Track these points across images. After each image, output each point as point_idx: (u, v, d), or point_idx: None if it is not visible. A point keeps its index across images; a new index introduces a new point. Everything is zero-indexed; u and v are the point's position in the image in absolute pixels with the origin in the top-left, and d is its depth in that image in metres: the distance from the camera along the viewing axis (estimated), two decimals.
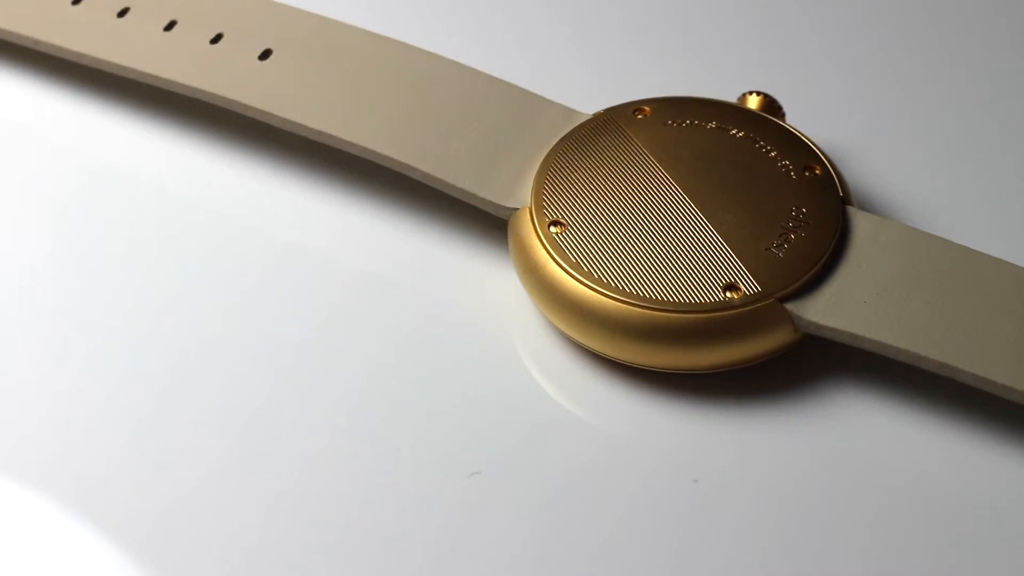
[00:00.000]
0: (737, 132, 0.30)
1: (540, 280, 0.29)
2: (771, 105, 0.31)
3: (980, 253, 0.28)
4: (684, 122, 0.30)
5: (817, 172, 0.29)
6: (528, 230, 0.29)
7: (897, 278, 0.28)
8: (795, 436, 0.28)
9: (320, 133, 0.31)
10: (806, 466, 0.27)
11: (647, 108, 0.31)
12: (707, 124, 0.30)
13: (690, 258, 0.28)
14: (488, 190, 0.30)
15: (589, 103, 0.31)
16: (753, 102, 0.31)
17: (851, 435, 0.28)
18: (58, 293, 0.30)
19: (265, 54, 0.32)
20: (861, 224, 0.29)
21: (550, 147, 0.30)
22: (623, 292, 0.28)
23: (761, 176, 0.29)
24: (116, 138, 0.33)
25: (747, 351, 0.28)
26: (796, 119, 0.32)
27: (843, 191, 0.29)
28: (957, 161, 0.33)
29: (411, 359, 0.29)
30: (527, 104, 0.31)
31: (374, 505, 0.27)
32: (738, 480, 0.27)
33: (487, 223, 0.31)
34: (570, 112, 0.31)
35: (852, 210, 0.29)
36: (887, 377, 0.28)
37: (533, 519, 0.27)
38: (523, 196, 0.30)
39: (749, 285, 0.28)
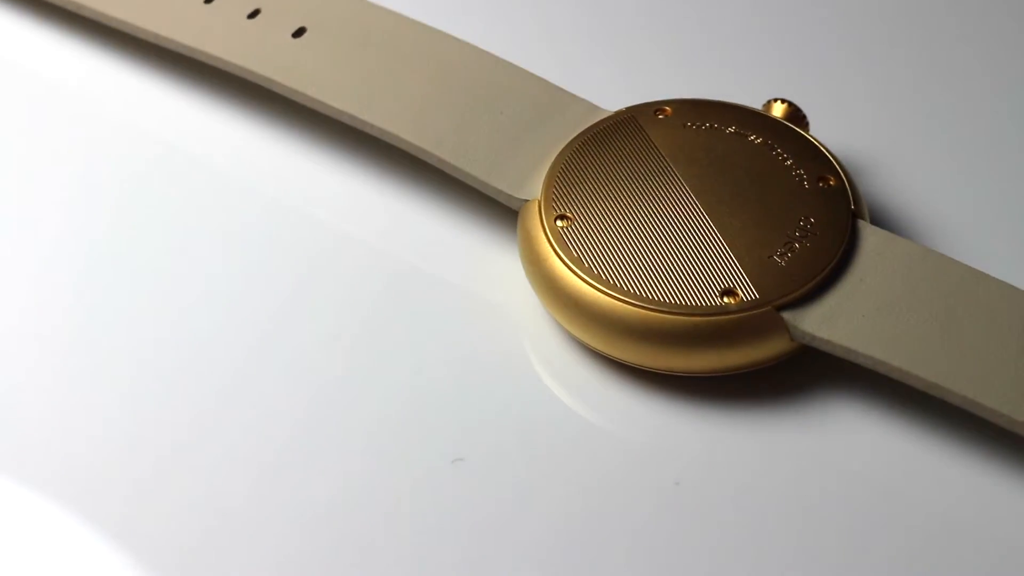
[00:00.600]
0: (755, 138, 0.30)
1: (542, 273, 0.29)
2: (795, 114, 0.31)
3: (988, 276, 0.28)
4: (703, 125, 0.30)
5: (831, 183, 0.29)
6: (535, 222, 0.29)
7: (899, 295, 0.28)
8: (786, 443, 0.28)
9: (342, 113, 0.31)
10: (792, 474, 0.27)
11: (668, 108, 0.31)
12: (726, 128, 0.30)
13: (691, 260, 0.28)
14: (501, 180, 0.30)
15: (614, 101, 0.31)
16: (777, 110, 0.31)
17: (843, 446, 0.28)
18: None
19: (299, 32, 0.33)
20: (869, 238, 0.29)
21: (567, 141, 0.30)
22: (621, 290, 0.28)
23: (774, 184, 0.29)
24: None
25: (742, 357, 0.28)
26: (823, 128, 0.31)
27: (855, 204, 0.29)
28: (983, 181, 0.32)
29: (412, 343, 0.29)
30: (551, 97, 0.31)
31: (351, 492, 0.27)
32: (720, 483, 0.27)
33: (506, 214, 0.31)
34: (593, 108, 0.31)
35: (862, 224, 0.29)
36: (885, 391, 0.28)
37: (515, 506, 0.27)
38: (535, 188, 0.30)
39: (747, 291, 0.28)
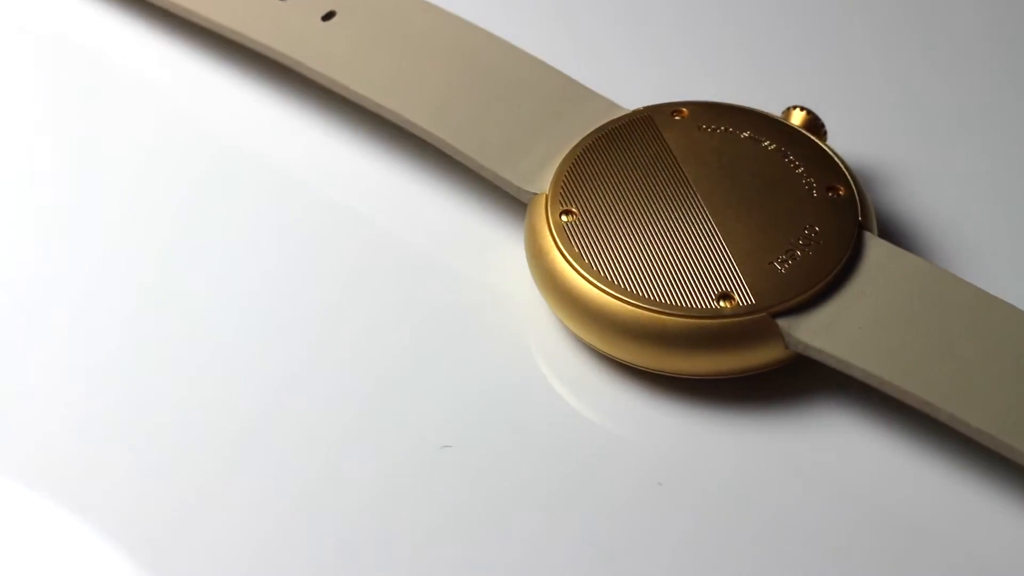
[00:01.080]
0: (769, 144, 0.30)
1: (543, 267, 0.29)
2: (813, 122, 0.31)
3: (992, 297, 0.27)
4: (719, 128, 0.30)
5: (840, 193, 0.29)
6: (540, 216, 0.29)
7: (898, 310, 0.27)
8: (776, 449, 0.28)
9: (363, 98, 0.32)
10: (780, 479, 0.27)
11: (685, 110, 0.31)
12: (741, 133, 0.30)
13: (691, 262, 0.28)
14: (512, 172, 0.30)
15: (636, 99, 0.31)
16: (796, 117, 0.31)
17: (835, 455, 0.28)
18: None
19: (329, 15, 0.33)
20: (874, 250, 0.28)
21: (582, 137, 0.30)
22: (617, 288, 0.28)
23: (783, 191, 0.29)
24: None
25: (736, 362, 0.28)
26: (843, 137, 0.31)
27: (863, 215, 0.29)
28: (1003, 198, 0.32)
29: (412, 328, 0.30)
30: (571, 92, 0.32)
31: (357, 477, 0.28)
32: (705, 484, 0.27)
33: (518, 208, 0.31)
34: (612, 106, 0.31)
35: (869, 236, 0.29)
36: (880, 401, 0.28)
37: (501, 495, 0.27)
38: (545, 182, 0.30)
39: (744, 296, 0.28)
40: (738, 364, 0.28)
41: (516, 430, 0.28)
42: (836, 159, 0.30)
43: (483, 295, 0.30)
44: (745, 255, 0.28)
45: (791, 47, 0.36)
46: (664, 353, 0.28)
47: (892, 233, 0.31)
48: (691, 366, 0.28)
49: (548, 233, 0.29)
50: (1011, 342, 0.27)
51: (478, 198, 0.32)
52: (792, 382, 0.29)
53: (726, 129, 0.30)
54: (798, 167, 0.29)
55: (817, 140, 0.30)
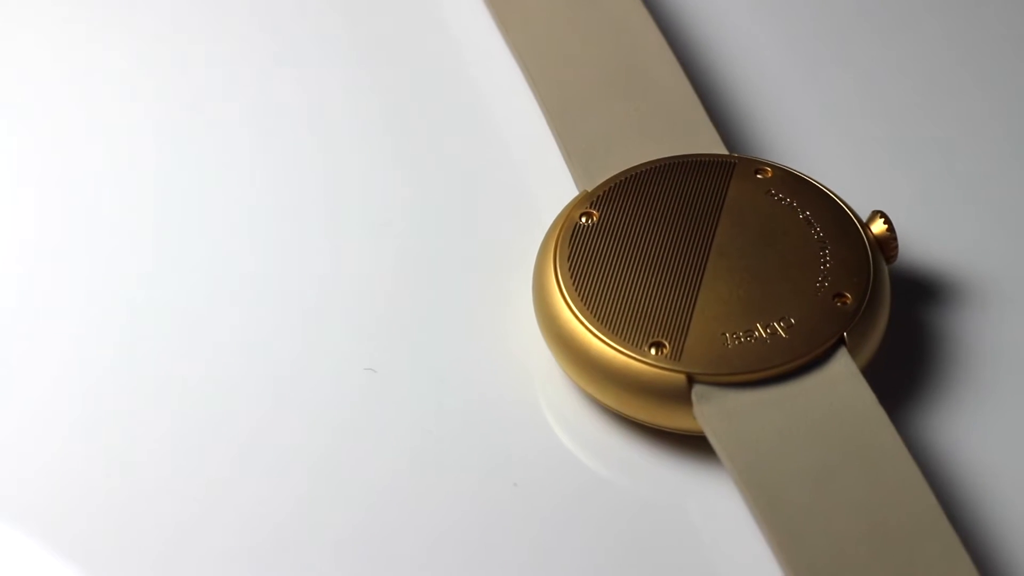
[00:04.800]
0: (816, 233, 0.29)
1: (539, 258, 0.30)
2: (887, 237, 0.29)
3: (907, 457, 0.26)
4: (784, 199, 0.30)
5: (846, 303, 0.28)
6: (565, 211, 0.30)
7: (810, 430, 0.26)
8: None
9: (521, 61, 0.33)
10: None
11: (770, 171, 0.30)
12: (801, 212, 0.29)
13: (654, 303, 0.28)
14: (579, 166, 0.31)
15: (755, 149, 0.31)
16: (876, 225, 0.29)
17: None
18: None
19: None
20: (836, 366, 0.27)
21: (661, 156, 0.31)
22: (577, 301, 0.28)
23: (791, 277, 0.28)
24: None
25: (652, 413, 0.28)
26: (922, 244, 0.30)
27: (851, 334, 0.28)
28: None
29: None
30: (689, 116, 0.32)
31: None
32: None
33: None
34: (715, 142, 0.31)
35: (843, 351, 0.27)
36: None
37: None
38: (598, 182, 0.30)
39: (675, 351, 0.27)
40: (654, 416, 0.28)
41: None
42: (871, 273, 0.28)
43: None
44: (706, 317, 0.28)
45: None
46: (593, 380, 0.28)
47: (887, 361, 0.29)
48: (616, 403, 0.28)
49: (558, 226, 0.30)
50: (886, 508, 0.25)
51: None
52: None
53: (790, 203, 0.30)
54: (826, 263, 0.29)
55: (864, 248, 0.29)
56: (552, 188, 0.32)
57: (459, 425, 0.29)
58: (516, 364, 0.30)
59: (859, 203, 0.30)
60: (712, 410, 0.27)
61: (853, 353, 0.28)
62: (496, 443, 0.29)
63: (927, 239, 0.31)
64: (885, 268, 0.29)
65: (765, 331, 0.27)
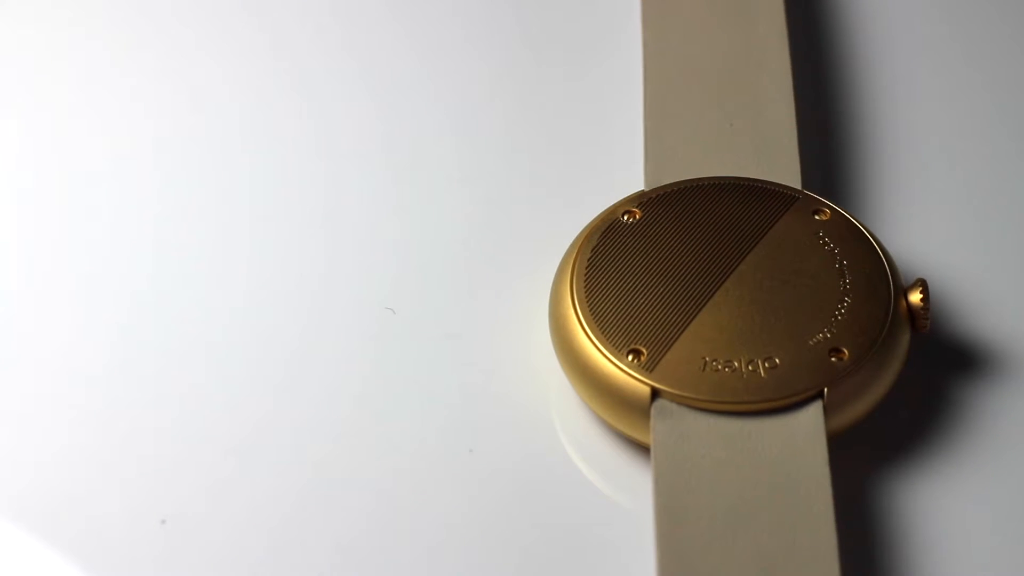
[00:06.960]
0: (846, 284, 0.29)
1: (571, 249, 0.30)
2: (919, 308, 0.28)
3: (832, 541, 0.25)
4: (829, 244, 0.29)
5: (842, 359, 0.27)
6: (614, 205, 0.30)
7: (743, 472, 0.26)
8: None
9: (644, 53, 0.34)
10: None
11: (828, 212, 0.30)
12: (841, 260, 0.29)
13: (651, 313, 0.28)
14: (654, 163, 0.31)
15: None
16: (914, 293, 0.29)
17: None
18: None
19: None
20: (803, 417, 0.27)
21: (731, 175, 0.30)
22: (578, 293, 0.29)
23: (797, 323, 0.28)
24: None
25: (620, 420, 0.28)
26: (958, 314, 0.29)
27: (831, 388, 0.27)
28: None
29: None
30: (779, 142, 0.31)
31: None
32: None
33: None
34: (794, 175, 0.31)
35: (814, 406, 0.27)
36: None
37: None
38: (656, 183, 0.31)
39: (649, 363, 0.27)
40: (616, 421, 0.28)
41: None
42: (882, 336, 0.28)
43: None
44: (695, 337, 0.28)
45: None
46: (571, 369, 0.28)
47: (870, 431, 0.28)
48: (585, 397, 0.28)
49: (600, 217, 0.30)
50: (786, 569, 0.25)
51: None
52: None
53: (832, 249, 0.29)
54: (838, 316, 0.28)
55: (890, 313, 0.28)
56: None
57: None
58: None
59: (923, 269, 0.29)
60: (665, 428, 0.27)
61: (830, 410, 0.27)
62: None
63: (990, 315, 0.30)
64: (906, 335, 0.28)
65: (747, 366, 0.27)
